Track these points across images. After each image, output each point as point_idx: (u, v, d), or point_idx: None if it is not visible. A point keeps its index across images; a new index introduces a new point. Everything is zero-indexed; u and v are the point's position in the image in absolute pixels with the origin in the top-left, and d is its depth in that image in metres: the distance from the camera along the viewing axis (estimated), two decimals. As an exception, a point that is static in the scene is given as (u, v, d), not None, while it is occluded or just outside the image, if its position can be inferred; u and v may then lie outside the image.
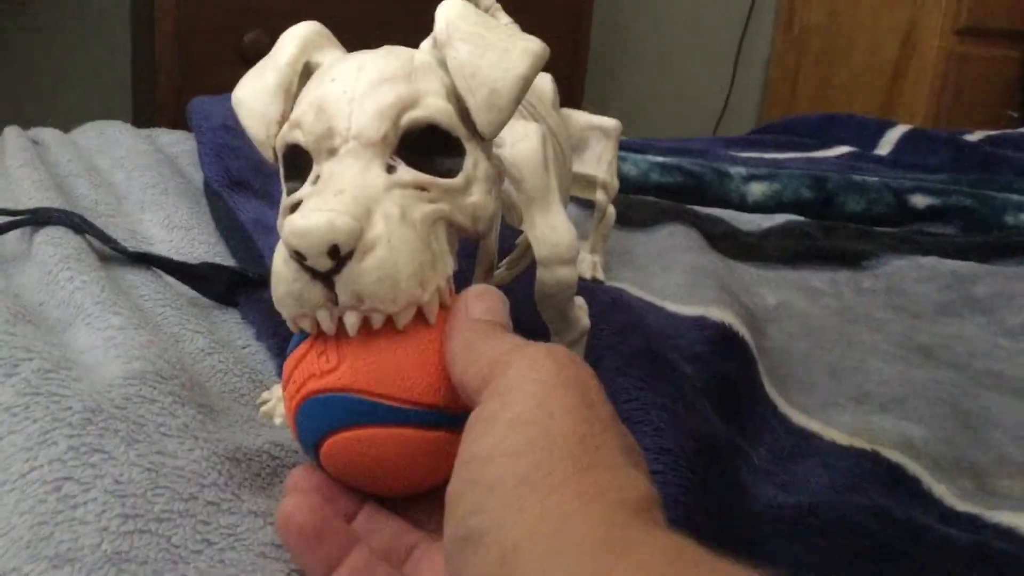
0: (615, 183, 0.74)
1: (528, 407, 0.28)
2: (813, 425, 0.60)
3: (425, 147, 0.35)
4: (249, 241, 0.67)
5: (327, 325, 0.33)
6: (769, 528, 0.45)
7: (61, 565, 0.32)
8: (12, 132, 0.85)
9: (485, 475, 0.27)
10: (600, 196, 0.73)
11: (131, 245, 0.63)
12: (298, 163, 0.36)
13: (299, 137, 0.36)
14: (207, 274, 0.60)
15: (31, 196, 0.67)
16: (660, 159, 1.09)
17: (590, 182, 0.73)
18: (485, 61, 0.37)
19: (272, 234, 0.67)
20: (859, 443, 0.57)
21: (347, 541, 0.33)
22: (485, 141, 0.38)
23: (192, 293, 0.60)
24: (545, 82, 0.61)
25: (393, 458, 0.33)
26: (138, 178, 0.76)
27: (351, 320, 0.33)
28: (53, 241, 0.58)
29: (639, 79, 2.64)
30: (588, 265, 0.75)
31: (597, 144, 0.73)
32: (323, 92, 0.36)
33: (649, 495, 0.27)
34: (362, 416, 0.33)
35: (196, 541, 0.35)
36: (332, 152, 0.35)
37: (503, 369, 0.30)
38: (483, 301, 0.34)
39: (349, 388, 0.33)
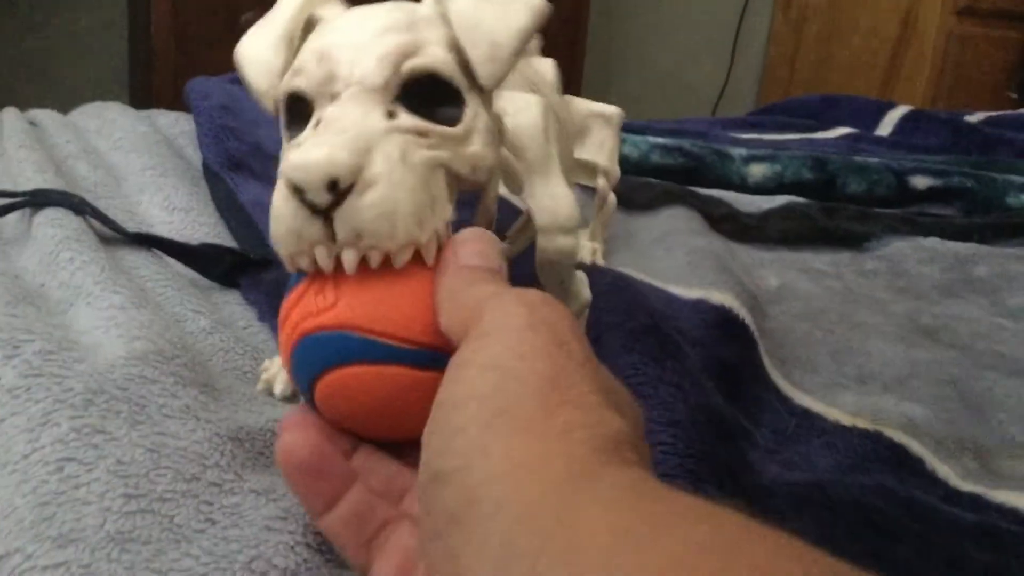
0: (616, 170, 0.74)
1: (499, 351, 0.28)
2: (816, 406, 0.60)
3: (426, 97, 0.36)
4: (249, 222, 0.67)
5: (325, 262, 0.33)
6: (775, 501, 0.45)
7: (64, 545, 0.31)
8: (10, 114, 0.85)
9: (454, 418, 0.27)
10: (601, 183, 0.73)
11: (130, 227, 0.63)
12: (300, 112, 0.36)
13: (301, 83, 0.36)
14: (208, 255, 0.60)
15: (30, 178, 0.67)
16: (660, 140, 1.09)
17: (591, 169, 0.73)
18: (486, 13, 0.37)
19: (272, 215, 0.67)
20: (862, 423, 0.57)
21: (346, 477, 0.33)
22: (485, 93, 0.38)
23: (193, 274, 0.59)
24: (547, 66, 0.60)
25: (388, 396, 0.33)
26: (137, 160, 0.76)
27: (349, 257, 0.33)
28: (53, 222, 0.57)
29: (638, 61, 2.63)
30: (588, 251, 0.75)
31: (599, 131, 0.73)
32: (326, 40, 0.36)
33: (619, 432, 0.27)
34: (357, 354, 0.32)
35: (199, 521, 0.34)
36: (334, 97, 0.35)
37: (478, 316, 0.30)
38: (472, 245, 0.34)
39: (345, 325, 0.32)
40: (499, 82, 0.37)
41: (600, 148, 0.72)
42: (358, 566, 0.33)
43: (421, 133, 0.35)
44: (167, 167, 0.75)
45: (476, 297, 0.31)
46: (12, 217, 0.61)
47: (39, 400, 0.38)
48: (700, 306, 0.66)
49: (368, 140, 0.33)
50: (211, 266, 0.60)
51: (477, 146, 0.37)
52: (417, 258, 0.34)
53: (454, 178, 0.36)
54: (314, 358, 0.33)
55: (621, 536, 0.22)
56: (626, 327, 0.53)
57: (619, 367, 0.50)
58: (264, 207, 0.68)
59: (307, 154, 0.32)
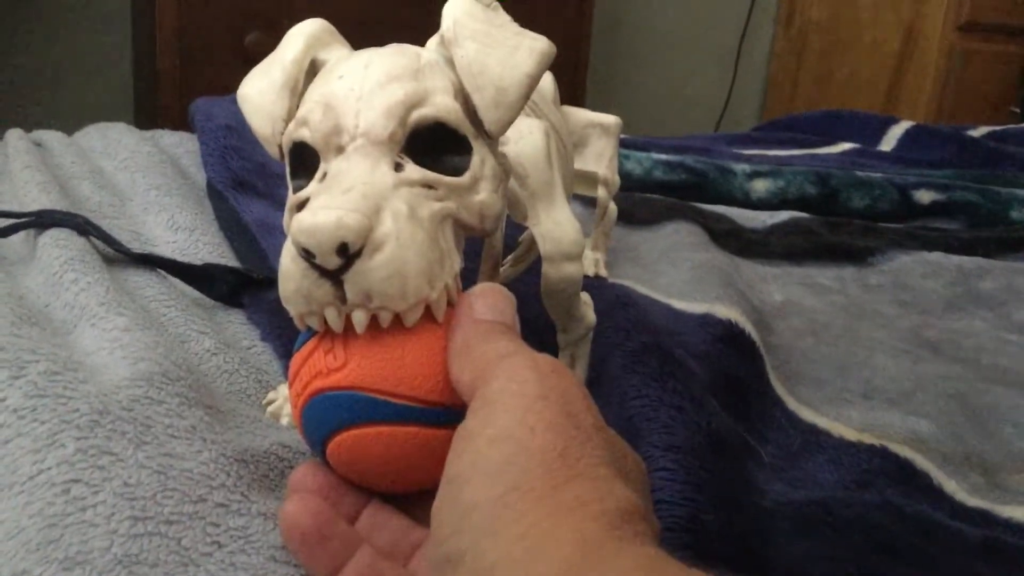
0: (616, 180, 0.74)
1: (508, 422, 0.28)
2: (821, 421, 0.60)
3: (432, 145, 0.35)
4: (253, 242, 0.67)
5: (335, 323, 0.33)
6: (779, 524, 0.45)
7: (71, 568, 0.31)
8: (15, 135, 0.85)
9: (464, 496, 0.27)
10: (601, 193, 0.73)
11: (135, 247, 0.63)
12: (305, 161, 0.36)
13: (306, 134, 0.36)
14: (212, 275, 0.60)
15: (35, 198, 0.67)
16: (664, 157, 1.09)
17: (591, 179, 0.73)
18: (492, 59, 0.37)
19: (276, 234, 0.67)
20: (868, 439, 0.57)
21: (351, 542, 0.33)
22: (492, 139, 0.38)
23: (197, 294, 0.59)
24: (545, 79, 0.60)
25: (400, 456, 0.33)
26: (141, 180, 0.76)
27: (359, 318, 0.33)
28: (58, 243, 0.57)
29: (640, 77, 2.64)
30: (591, 262, 0.75)
31: (598, 141, 0.73)
32: (330, 89, 0.36)
33: (631, 505, 0.26)
34: (369, 414, 0.32)
35: (206, 543, 0.34)
36: (340, 150, 0.35)
37: (486, 381, 0.30)
38: (487, 299, 0.34)
39: (356, 386, 0.33)
40: (506, 128, 0.37)
41: (599, 158, 0.72)
42: None
43: (428, 185, 0.35)
44: (171, 187, 0.75)
45: (488, 355, 0.31)
46: (17, 238, 0.61)
47: (45, 421, 0.38)
48: (706, 321, 0.66)
49: (376, 198, 0.33)
50: (215, 286, 0.60)
51: (484, 194, 0.36)
52: (427, 314, 0.34)
53: (462, 228, 0.36)
54: (324, 418, 0.33)
55: None
56: (628, 347, 0.53)
57: (621, 389, 0.50)
58: (268, 226, 0.68)
59: (316, 217, 0.31)
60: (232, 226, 0.70)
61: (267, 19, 1.65)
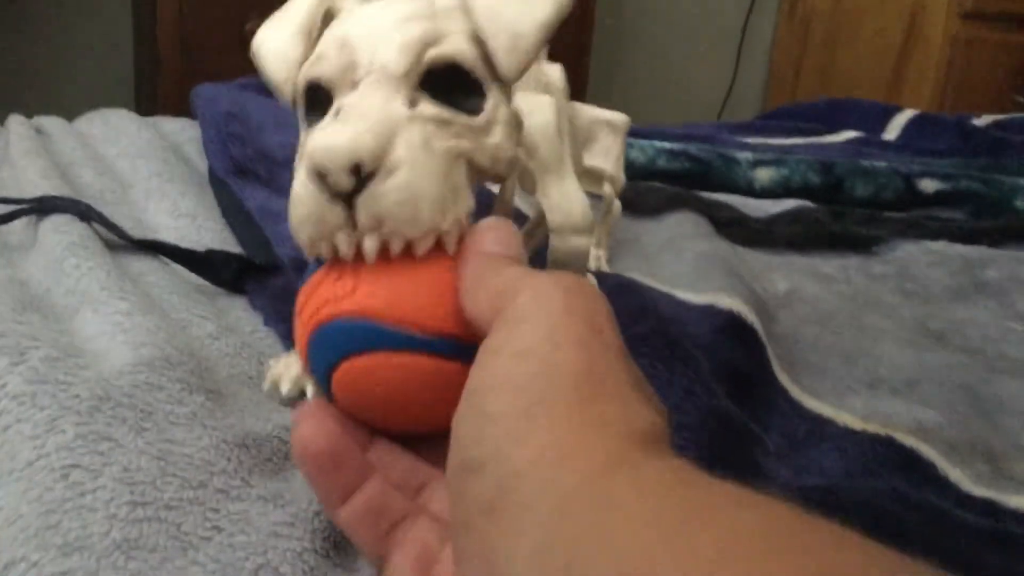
0: (622, 177, 0.73)
1: (534, 338, 0.28)
2: (826, 410, 0.59)
3: (447, 87, 0.35)
4: (255, 228, 0.67)
5: (345, 249, 0.32)
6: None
7: (70, 553, 0.31)
8: (16, 121, 0.85)
9: (488, 406, 0.27)
10: (607, 190, 0.73)
11: (136, 233, 0.63)
12: (319, 100, 0.36)
13: (321, 71, 0.35)
14: (213, 261, 0.60)
15: (36, 184, 0.67)
16: (667, 145, 1.09)
17: (597, 176, 0.72)
18: (508, 5, 0.37)
19: (278, 221, 0.67)
20: (873, 428, 0.57)
21: (363, 469, 0.33)
22: (506, 85, 0.38)
23: (198, 280, 0.59)
24: (556, 72, 0.60)
25: (406, 386, 0.32)
26: (143, 166, 0.76)
27: (370, 244, 0.32)
28: (59, 229, 0.57)
29: (643, 65, 2.63)
30: (592, 258, 0.74)
31: (605, 138, 0.72)
32: (347, 28, 0.36)
33: (655, 427, 0.26)
34: (377, 342, 0.32)
35: (206, 528, 0.34)
36: (355, 85, 0.34)
37: (511, 298, 0.29)
38: (494, 233, 0.34)
39: (365, 313, 0.32)
40: (520, 74, 0.37)
41: (606, 155, 0.72)
42: (374, 560, 0.32)
43: (443, 122, 0.34)
44: (173, 173, 0.74)
45: (506, 280, 0.31)
46: (18, 224, 0.61)
47: (45, 407, 0.38)
48: (709, 311, 0.65)
49: (391, 126, 0.32)
50: (217, 272, 0.59)
51: (498, 137, 0.36)
52: (438, 248, 0.33)
53: (474, 169, 0.36)
54: (332, 346, 0.33)
55: (663, 524, 0.21)
56: (635, 331, 0.53)
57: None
58: (270, 213, 0.68)
59: (331, 137, 0.31)
60: (234, 213, 0.70)
61: (267, 6, 1.63)
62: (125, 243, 0.60)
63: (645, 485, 0.23)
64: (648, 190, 0.97)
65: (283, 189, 0.75)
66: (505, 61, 0.36)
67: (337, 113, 0.34)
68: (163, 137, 0.84)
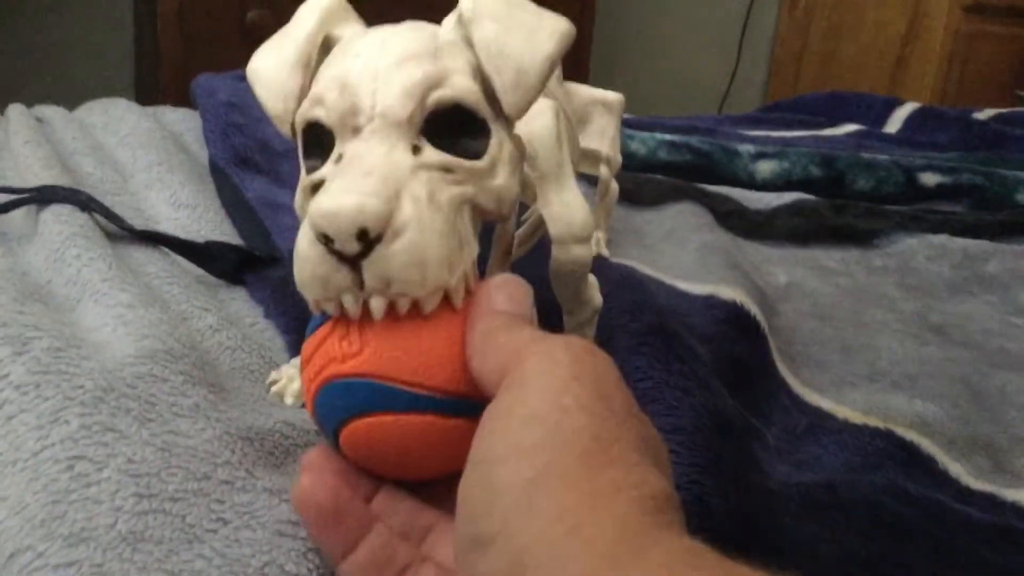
0: (618, 158, 0.73)
1: (542, 403, 0.27)
2: (826, 404, 0.60)
3: (450, 127, 0.34)
4: (255, 219, 0.67)
5: (352, 309, 0.32)
6: (786, 505, 0.45)
7: (76, 544, 0.31)
8: (16, 110, 0.85)
9: (496, 476, 0.26)
10: (603, 171, 0.72)
11: (137, 223, 0.63)
12: (318, 140, 0.35)
13: (321, 114, 0.35)
14: (214, 252, 0.60)
15: (36, 174, 0.66)
16: (668, 137, 1.09)
17: (593, 157, 0.72)
18: (512, 40, 0.36)
19: (278, 212, 0.67)
20: (873, 422, 0.57)
21: (366, 521, 0.33)
22: (509, 122, 0.37)
23: (199, 271, 0.59)
24: None
25: (414, 445, 0.32)
26: (143, 156, 0.75)
27: (377, 304, 0.32)
28: (59, 219, 0.57)
29: (644, 57, 2.63)
30: (592, 240, 0.74)
31: (600, 118, 0.72)
32: (346, 67, 0.35)
33: (665, 493, 0.26)
34: (384, 402, 0.32)
35: (211, 520, 0.34)
36: (356, 130, 0.34)
37: (519, 361, 0.29)
38: (506, 291, 0.33)
39: (371, 374, 0.32)
40: (525, 111, 0.36)
41: (602, 136, 0.71)
42: None
43: (447, 169, 0.34)
44: (173, 164, 0.74)
45: (515, 342, 0.30)
46: (18, 213, 0.61)
47: (48, 397, 0.38)
48: (710, 302, 0.65)
49: (396, 183, 0.32)
50: (217, 263, 0.59)
51: (502, 178, 0.36)
52: (445, 301, 0.33)
53: (479, 212, 0.36)
54: (338, 405, 0.33)
55: None
56: (633, 328, 0.53)
57: (626, 370, 0.50)
58: (270, 204, 0.68)
59: (335, 201, 0.31)
60: (234, 203, 0.70)
61: (269, -4, 1.64)
62: (126, 233, 0.60)
63: (657, 569, 0.23)
64: (650, 182, 0.97)
65: (283, 179, 0.75)
66: (509, 99, 0.36)
67: (338, 160, 0.34)
68: (163, 127, 0.84)
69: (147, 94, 1.80)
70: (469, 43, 0.36)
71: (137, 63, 2.01)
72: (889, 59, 2.32)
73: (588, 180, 0.85)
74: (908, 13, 2.26)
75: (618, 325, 0.54)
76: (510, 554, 0.25)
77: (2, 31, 1.95)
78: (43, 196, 0.61)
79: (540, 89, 0.36)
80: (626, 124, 1.14)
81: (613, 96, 0.72)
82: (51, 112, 0.88)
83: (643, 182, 0.96)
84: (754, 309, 0.66)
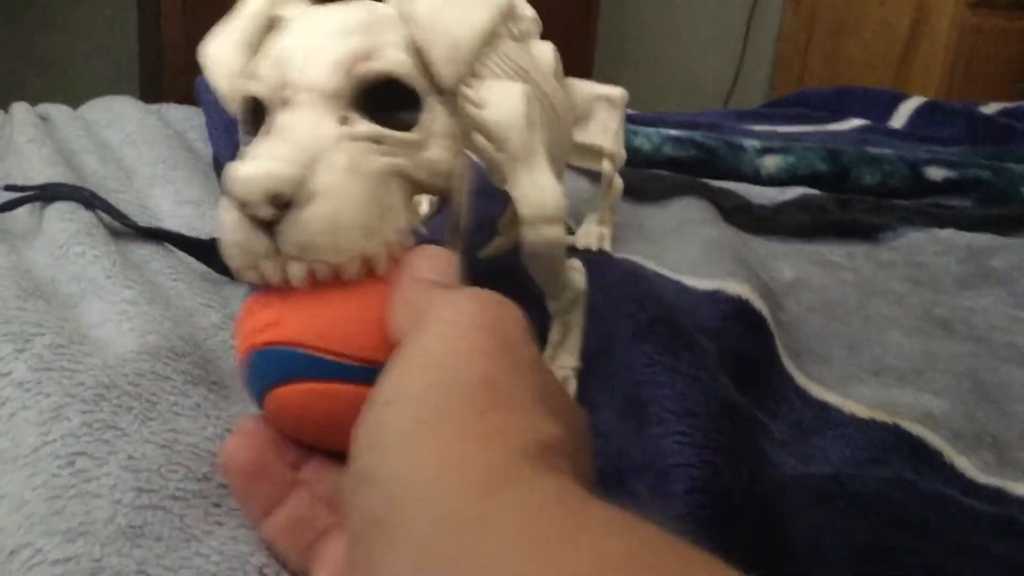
0: (622, 153, 0.73)
1: (439, 348, 0.28)
2: (832, 398, 0.59)
3: (384, 101, 0.35)
4: (260, 216, 0.66)
5: (272, 276, 0.32)
6: (793, 497, 0.44)
7: (75, 539, 0.31)
8: (20, 108, 0.85)
9: (386, 416, 0.27)
10: (606, 166, 0.72)
11: (141, 220, 0.63)
12: (258, 115, 0.36)
13: (254, 88, 0.35)
14: (218, 249, 0.59)
15: (40, 171, 0.66)
16: (673, 132, 1.08)
17: (596, 152, 0.72)
18: (446, 13, 0.36)
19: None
20: (879, 416, 0.56)
21: (286, 484, 0.33)
22: (447, 95, 0.37)
23: (203, 268, 0.59)
24: (545, 50, 0.59)
25: (335, 413, 0.32)
26: (147, 153, 0.75)
27: (295, 271, 0.32)
28: (63, 216, 0.57)
29: (648, 53, 2.62)
30: (595, 236, 0.74)
31: (603, 114, 0.72)
32: (281, 44, 0.36)
33: (552, 439, 0.26)
34: (304, 371, 0.32)
35: (209, 522, 0.34)
36: (287, 103, 0.34)
37: (424, 311, 0.30)
38: (427, 260, 0.33)
39: (290, 342, 0.32)
40: (459, 83, 0.37)
41: (604, 131, 0.71)
42: (299, 574, 0.32)
43: (375, 140, 0.34)
44: (177, 161, 0.74)
45: (426, 298, 0.31)
46: (22, 211, 0.61)
47: (50, 394, 0.38)
48: (716, 297, 0.65)
49: (314, 150, 0.32)
50: (221, 260, 0.59)
51: (435, 151, 0.36)
52: (369, 271, 0.33)
53: (412, 185, 0.36)
54: (260, 374, 0.33)
55: (535, 547, 0.22)
56: (639, 318, 0.53)
57: (631, 357, 0.49)
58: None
59: (248, 167, 0.31)
60: (238, 200, 0.70)
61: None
62: (130, 230, 0.60)
63: (524, 505, 0.23)
64: (654, 177, 0.97)
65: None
66: (444, 71, 0.36)
67: (268, 132, 0.34)
68: (168, 124, 0.84)
69: (151, 91, 1.80)
70: (407, 18, 0.37)
71: (141, 61, 2.01)
72: (894, 54, 2.31)
73: (591, 176, 0.85)
74: (913, 8, 2.26)
75: (625, 315, 0.53)
76: (387, 490, 0.25)
77: (6, 29, 1.95)
78: (47, 193, 0.61)
79: (473, 61, 0.37)
80: (630, 120, 1.14)
81: (616, 91, 0.72)
82: (55, 110, 0.88)
83: (648, 178, 0.96)
84: (760, 304, 0.65)
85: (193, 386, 0.41)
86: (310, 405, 0.32)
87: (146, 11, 1.85)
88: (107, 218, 0.60)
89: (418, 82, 0.36)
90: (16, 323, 0.42)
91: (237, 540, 0.34)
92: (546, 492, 0.24)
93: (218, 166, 0.75)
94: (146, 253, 0.58)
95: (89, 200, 0.60)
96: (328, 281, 0.32)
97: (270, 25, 0.39)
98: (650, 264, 0.72)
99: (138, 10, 2.00)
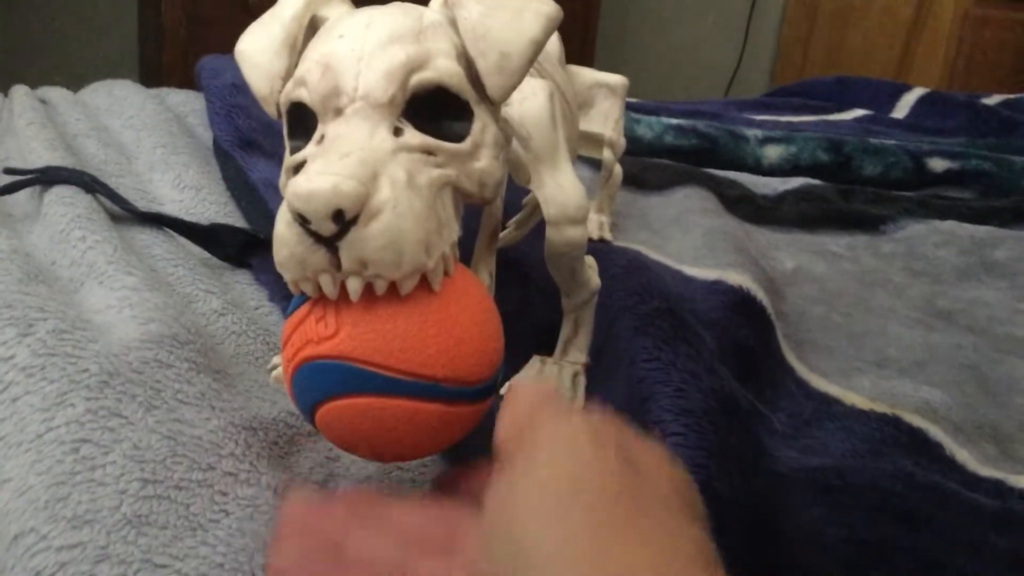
0: (622, 141, 0.72)
1: (560, 468, 0.27)
2: (833, 390, 0.59)
3: (433, 109, 0.34)
4: (260, 201, 0.66)
5: (329, 290, 0.32)
6: (793, 489, 0.44)
7: (80, 527, 0.31)
8: (20, 91, 0.84)
9: (524, 540, 0.25)
10: (607, 154, 0.72)
11: (141, 205, 0.62)
12: (303, 121, 0.35)
13: (304, 95, 0.35)
14: (218, 234, 0.59)
15: (40, 155, 0.66)
16: (675, 121, 1.08)
17: (597, 140, 0.71)
18: (497, 22, 0.36)
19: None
20: (880, 408, 0.56)
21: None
22: (494, 105, 0.37)
23: (204, 254, 0.59)
24: (552, 40, 0.59)
25: (389, 428, 0.32)
26: (147, 138, 0.75)
27: (354, 286, 0.32)
28: (64, 200, 0.57)
29: (650, 41, 2.61)
30: (595, 224, 0.74)
31: (604, 101, 0.71)
32: (330, 49, 0.35)
33: (704, 544, 0.26)
34: (358, 385, 0.32)
35: (214, 511, 0.34)
36: (338, 112, 0.34)
37: (538, 427, 0.29)
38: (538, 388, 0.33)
39: (346, 356, 0.32)
40: (509, 94, 0.36)
41: (605, 119, 0.71)
42: None
43: (428, 151, 0.34)
44: (178, 145, 0.74)
45: (535, 410, 0.30)
46: (22, 195, 0.61)
47: (54, 380, 0.37)
48: (717, 287, 0.65)
49: (374, 164, 0.32)
50: (222, 245, 0.59)
51: (485, 161, 0.36)
52: (424, 284, 0.33)
53: (461, 195, 0.35)
54: (313, 387, 0.33)
55: None
56: (640, 310, 0.53)
57: (632, 351, 0.49)
58: (275, 186, 0.67)
59: (312, 183, 0.31)
60: (239, 185, 0.70)
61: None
62: (130, 215, 0.59)
63: None
64: (656, 166, 0.96)
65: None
66: (493, 82, 0.36)
67: (320, 141, 0.34)
68: (168, 109, 0.84)
69: (151, 76, 1.80)
70: (454, 25, 0.36)
71: (141, 44, 2.00)
72: (897, 44, 2.30)
73: (592, 164, 0.85)
74: (916, -2, 2.24)
75: (625, 307, 0.53)
76: None
77: (5, 12, 1.94)
78: (47, 177, 0.60)
79: (524, 73, 0.36)
80: (632, 108, 1.13)
81: (616, 79, 0.72)
82: (55, 93, 0.87)
83: (649, 166, 0.95)
84: (761, 295, 0.65)
85: (196, 374, 0.41)
86: (363, 419, 0.32)
87: (146, -6, 1.84)
88: (107, 203, 0.60)
89: (468, 92, 0.35)
90: (19, 307, 0.42)
91: (243, 532, 0.33)
92: None
93: (218, 151, 0.75)
94: (147, 238, 0.57)
95: (89, 184, 0.60)
96: (383, 295, 0.32)
97: (311, 25, 0.38)
98: (651, 253, 0.72)
99: (138, -7, 1.99)
